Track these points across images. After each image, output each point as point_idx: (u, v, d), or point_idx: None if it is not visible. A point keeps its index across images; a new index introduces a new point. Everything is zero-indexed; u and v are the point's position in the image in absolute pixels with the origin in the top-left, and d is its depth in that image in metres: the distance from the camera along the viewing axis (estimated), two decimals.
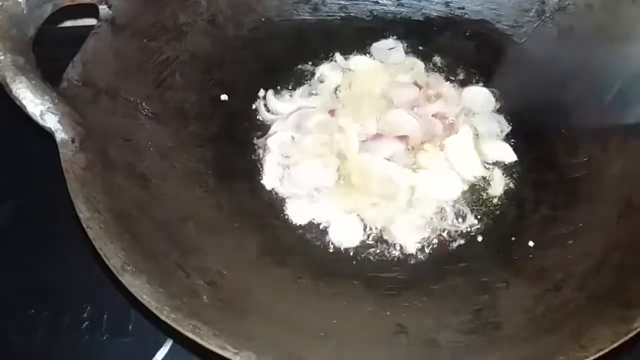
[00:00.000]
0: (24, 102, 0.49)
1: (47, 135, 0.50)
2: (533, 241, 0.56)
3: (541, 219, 0.58)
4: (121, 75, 0.58)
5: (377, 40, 0.71)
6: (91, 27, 0.59)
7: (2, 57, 0.49)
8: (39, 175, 0.66)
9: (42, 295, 0.61)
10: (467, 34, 0.70)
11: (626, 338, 0.43)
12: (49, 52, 0.54)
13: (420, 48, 0.70)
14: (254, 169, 0.62)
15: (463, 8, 0.72)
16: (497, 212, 0.59)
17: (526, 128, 0.64)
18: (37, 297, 0.61)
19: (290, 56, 0.69)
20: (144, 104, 0.59)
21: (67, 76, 0.54)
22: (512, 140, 0.64)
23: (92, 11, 0.59)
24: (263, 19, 0.70)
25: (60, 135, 0.49)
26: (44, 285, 0.62)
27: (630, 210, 0.54)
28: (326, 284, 0.54)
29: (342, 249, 0.57)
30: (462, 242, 0.57)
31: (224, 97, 0.65)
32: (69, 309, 0.60)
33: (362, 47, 0.71)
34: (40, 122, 0.49)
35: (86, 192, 0.48)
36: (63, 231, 0.61)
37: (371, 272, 0.55)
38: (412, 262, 0.56)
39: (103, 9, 0.58)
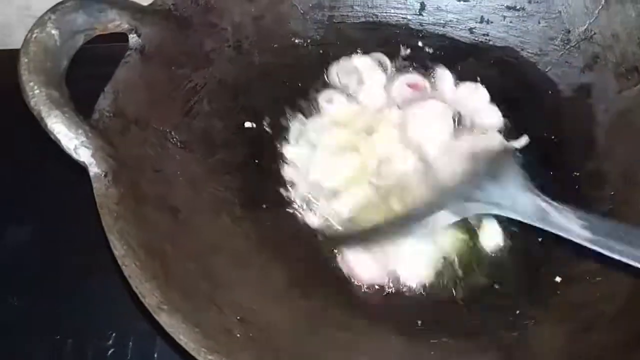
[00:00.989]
0: (59, 136, 0.49)
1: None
2: (560, 276, 0.56)
3: (567, 252, 0.58)
4: (150, 105, 0.58)
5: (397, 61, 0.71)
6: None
7: (37, 91, 0.49)
8: (61, 201, 0.67)
9: (67, 321, 0.61)
10: (492, 61, 0.70)
11: None
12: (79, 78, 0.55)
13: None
14: (280, 198, 0.62)
15: (487, 34, 0.72)
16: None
17: (551, 159, 0.64)
18: (62, 323, 0.61)
19: (315, 82, 0.69)
20: (172, 132, 0.59)
21: (99, 107, 0.54)
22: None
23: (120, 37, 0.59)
24: (288, 45, 0.70)
25: (93, 169, 0.50)
26: (70, 311, 0.62)
27: None
28: (355, 318, 0.54)
29: (368, 283, 0.57)
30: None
31: (248, 124, 0.65)
32: (94, 336, 0.60)
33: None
34: (75, 156, 0.49)
35: (120, 228, 0.48)
36: (90, 258, 0.61)
37: (399, 309, 0.55)
38: (437, 298, 0.56)
39: (133, 37, 0.58)
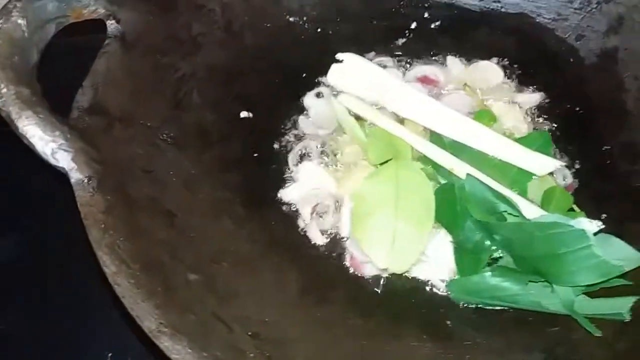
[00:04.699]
0: (33, 140, 0.43)
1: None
2: None
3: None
4: (136, 99, 0.52)
5: (402, 40, 0.65)
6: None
7: (5, 89, 0.43)
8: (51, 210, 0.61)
9: (62, 341, 0.56)
10: (506, 30, 0.64)
11: None
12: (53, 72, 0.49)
13: (457, 46, 0.64)
14: None
15: (499, 1, 0.66)
16: None
17: (578, 133, 0.59)
18: (57, 343, 0.56)
19: (314, 64, 0.63)
20: (162, 128, 0.53)
21: (77, 104, 0.48)
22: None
23: (99, 27, 0.53)
24: (282, 24, 0.64)
25: (75, 175, 0.44)
26: (65, 331, 0.56)
27: None
28: (377, 324, 0.48)
29: (390, 281, 0.52)
30: None
31: (244, 114, 0.60)
32: (91, 357, 0.55)
33: (390, 49, 0.65)
34: (52, 161, 0.43)
35: (110, 241, 0.42)
36: (84, 274, 0.55)
37: (425, 308, 0.50)
38: None
39: (111, 24, 0.52)
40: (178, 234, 0.48)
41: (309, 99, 0.63)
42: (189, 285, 0.44)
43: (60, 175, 0.44)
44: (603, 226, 0.47)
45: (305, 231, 0.55)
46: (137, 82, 0.52)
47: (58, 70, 0.51)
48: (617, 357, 0.44)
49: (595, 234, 0.46)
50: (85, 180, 0.44)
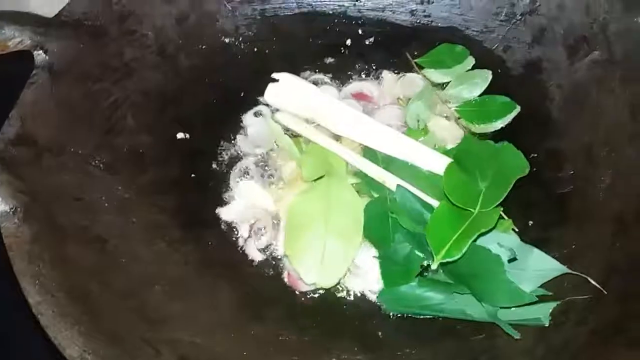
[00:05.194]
0: None
1: None
2: None
3: (532, 241, 0.54)
4: (65, 127, 0.52)
5: (338, 57, 0.67)
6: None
7: None
8: None
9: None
10: (436, 43, 0.66)
11: None
12: None
13: (391, 61, 0.66)
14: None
15: (429, 15, 0.68)
16: None
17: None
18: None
19: (251, 83, 0.64)
20: (94, 155, 0.53)
21: (3, 136, 0.48)
22: None
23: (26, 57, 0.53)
24: (217, 45, 0.65)
25: (0, 207, 0.44)
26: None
27: (624, 228, 0.51)
28: (311, 338, 0.50)
29: (324, 296, 0.53)
30: None
31: (180, 135, 0.60)
32: None
33: (325, 67, 0.66)
34: None
35: (34, 271, 0.43)
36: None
37: (358, 320, 0.51)
38: None
39: (38, 54, 0.53)
40: (108, 261, 0.48)
41: (247, 118, 0.64)
42: (118, 311, 0.45)
43: None
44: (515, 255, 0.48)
45: (243, 249, 0.56)
46: (67, 110, 0.53)
47: None
48: None
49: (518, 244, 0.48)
50: (11, 212, 0.44)
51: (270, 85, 0.62)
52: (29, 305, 0.41)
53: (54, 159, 0.50)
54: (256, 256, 0.56)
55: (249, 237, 0.57)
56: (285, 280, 0.55)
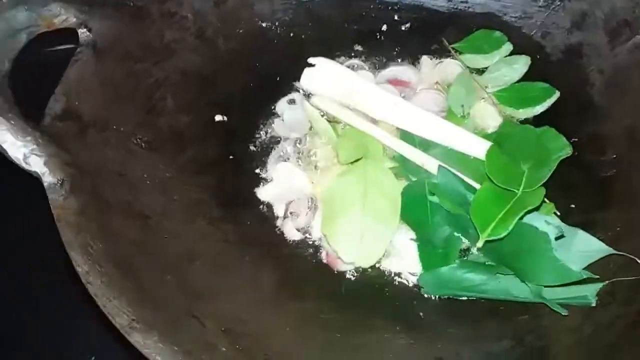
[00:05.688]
0: (5, 145, 0.44)
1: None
2: None
3: (575, 224, 0.53)
4: (108, 105, 0.53)
5: (373, 43, 0.67)
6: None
7: None
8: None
9: (44, 344, 0.56)
10: (473, 29, 0.66)
11: None
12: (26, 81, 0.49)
13: (426, 47, 0.66)
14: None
15: (466, 1, 0.67)
16: None
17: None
18: (38, 346, 0.56)
19: (287, 68, 0.64)
20: (135, 133, 0.54)
21: (50, 111, 0.49)
22: None
23: (71, 36, 0.54)
24: (254, 29, 0.65)
25: (48, 179, 0.44)
26: (46, 333, 0.57)
27: None
28: (351, 317, 0.49)
29: (363, 276, 0.53)
30: None
31: (218, 117, 0.61)
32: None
33: (361, 52, 0.66)
34: (25, 166, 0.44)
35: (82, 242, 0.43)
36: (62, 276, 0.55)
37: (398, 300, 0.51)
38: None
39: (83, 32, 0.53)
40: (151, 236, 0.48)
41: (281, 105, 0.64)
42: (162, 284, 0.45)
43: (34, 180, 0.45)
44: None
45: (280, 229, 0.56)
46: (110, 88, 0.53)
47: (31, 78, 0.52)
48: (582, 341, 0.45)
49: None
50: (58, 184, 0.45)
51: (307, 70, 0.62)
52: (78, 274, 0.41)
53: (98, 134, 0.51)
54: (294, 236, 0.56)
55: (286, 217, 0.56)
56: (323, 259, 0.54)
